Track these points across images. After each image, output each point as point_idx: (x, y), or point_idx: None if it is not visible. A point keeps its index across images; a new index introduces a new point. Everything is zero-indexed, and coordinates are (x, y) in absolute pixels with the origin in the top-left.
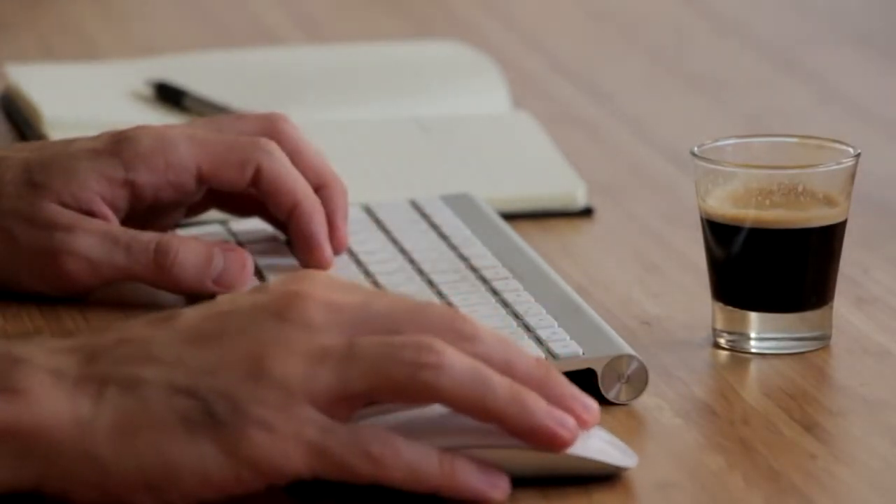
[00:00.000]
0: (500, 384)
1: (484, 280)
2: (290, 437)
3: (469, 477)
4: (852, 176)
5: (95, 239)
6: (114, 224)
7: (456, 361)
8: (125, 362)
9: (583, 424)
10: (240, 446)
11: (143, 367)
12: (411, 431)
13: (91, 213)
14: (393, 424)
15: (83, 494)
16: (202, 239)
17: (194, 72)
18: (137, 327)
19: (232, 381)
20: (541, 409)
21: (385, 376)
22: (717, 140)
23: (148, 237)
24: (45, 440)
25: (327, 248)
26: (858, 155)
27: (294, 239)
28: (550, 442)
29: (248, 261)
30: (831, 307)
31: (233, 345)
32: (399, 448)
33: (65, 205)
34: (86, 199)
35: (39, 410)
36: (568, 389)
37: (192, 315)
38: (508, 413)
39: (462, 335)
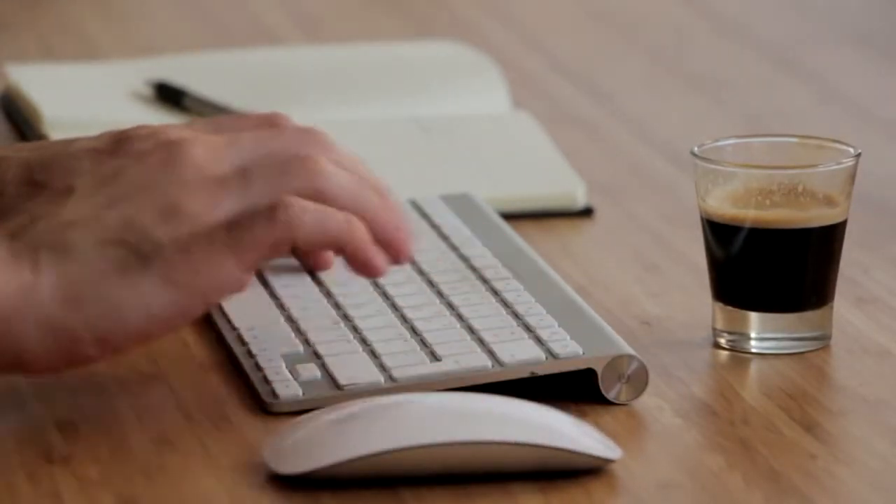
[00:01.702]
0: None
1: (484, 280)
2: (215, 252)
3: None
4: (852, 176)
5: None
6: None
7: (331, 167)
8: (49, 232)
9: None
10: (171, 273)
11: (67, 232)
12: (409, 423)
13: None
14: (394, 417)
15: (36, 360)
16: None
17: (194, 72)
18: (41, 205)
19: (150, 225)
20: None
21: (284, 187)
22: (717, 140)
23: None
24: None
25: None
26: (858, 155)
27: None
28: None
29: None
30: (831, 307)
31: (140, 198)
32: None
33: None
34: None
35: None
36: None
37: (86, 184)
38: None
39: (324, 147)
